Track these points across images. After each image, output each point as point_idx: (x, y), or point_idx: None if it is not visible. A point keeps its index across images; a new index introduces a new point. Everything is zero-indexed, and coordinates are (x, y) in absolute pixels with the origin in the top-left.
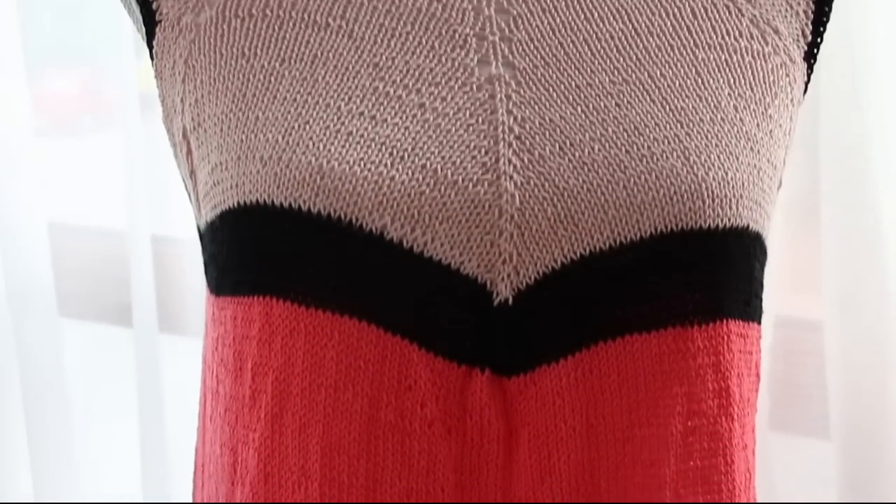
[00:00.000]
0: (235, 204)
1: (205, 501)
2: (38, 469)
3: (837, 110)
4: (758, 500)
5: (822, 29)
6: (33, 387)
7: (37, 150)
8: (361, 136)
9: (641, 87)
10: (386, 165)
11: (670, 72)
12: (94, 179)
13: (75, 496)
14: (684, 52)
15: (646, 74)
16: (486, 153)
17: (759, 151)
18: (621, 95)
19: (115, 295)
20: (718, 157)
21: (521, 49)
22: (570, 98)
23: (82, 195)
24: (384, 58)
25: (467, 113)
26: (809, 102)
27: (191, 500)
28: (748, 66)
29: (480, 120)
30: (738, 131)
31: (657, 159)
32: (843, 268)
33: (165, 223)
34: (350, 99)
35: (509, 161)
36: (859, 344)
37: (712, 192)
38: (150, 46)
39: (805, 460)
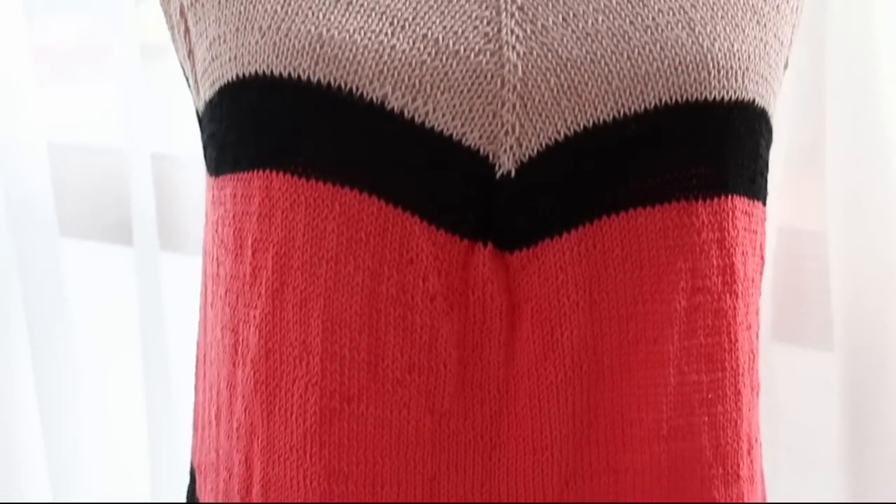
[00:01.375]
0: (234, 77)
1: (206, 390)
2: (41, 390)
3: (846, 5)
4: (760, 411)
5: None
6: (35, 307)
7: (36, 89)
8: (361, 5)
9: None
10: (386, 34)
11: None
12: (93, 115)
13: (78, 412)
14: None
15: None
16: (488, 23)
17: (765, 25)
18: None
19: (116, 214)
20: (724, 29)
21: None
22: None
23: (81, 115)
24: None
25: None
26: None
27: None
28: None
29: None
30: (743, 4)
31: (662, 30)
32: (846, 176)
33: (165, 141)
34: None
35: (511, 31)
36: (863, 254)
37: (717, 62)
38: None
39: (808, 371)
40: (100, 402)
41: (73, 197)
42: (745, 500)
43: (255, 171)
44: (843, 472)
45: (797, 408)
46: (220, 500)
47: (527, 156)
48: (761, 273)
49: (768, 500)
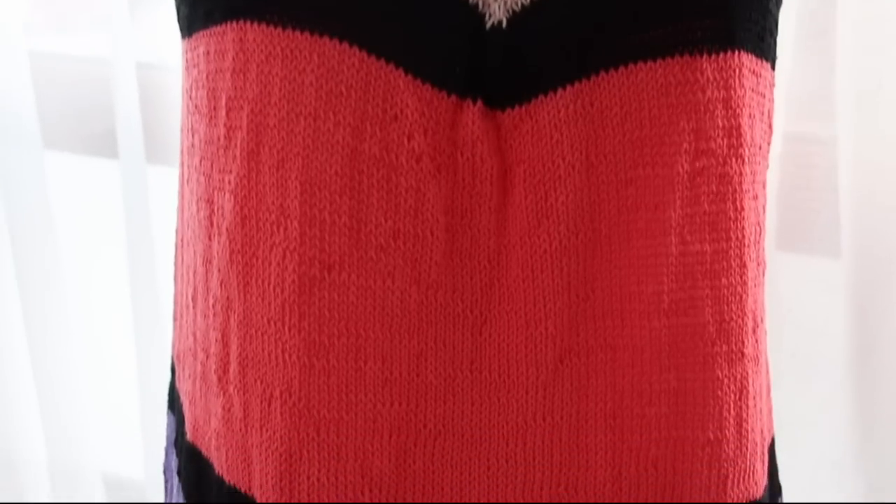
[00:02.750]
0: None
1: (184, 274)
2: (27, 305)
3: None
4: (766, 316)
5: None
6: (19, 221)
7: None
8: None
9: None
10: None
11: None
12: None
13: (65, 328)
14: None
15: None
16: None
17: None
18: None
19: (100, 125)
20: None
21: None
22: None
23: (64, 22)
24: None
25: None
26: None
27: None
28: None
29: None
30: None
31: None
32: (857, 78)
33: (151, 49)
34: None
35: None
36: (872, 158)
37: None
38: None
39: (814, 278)
40: (86, 316)
41: (57, 108)
42: (750, 380)
43: (229, 24)
44: (849, 378)
45: (802, 314)
46: (196, 385)
47: (519, 4)
48: (769, 143)
49: (772, 407)
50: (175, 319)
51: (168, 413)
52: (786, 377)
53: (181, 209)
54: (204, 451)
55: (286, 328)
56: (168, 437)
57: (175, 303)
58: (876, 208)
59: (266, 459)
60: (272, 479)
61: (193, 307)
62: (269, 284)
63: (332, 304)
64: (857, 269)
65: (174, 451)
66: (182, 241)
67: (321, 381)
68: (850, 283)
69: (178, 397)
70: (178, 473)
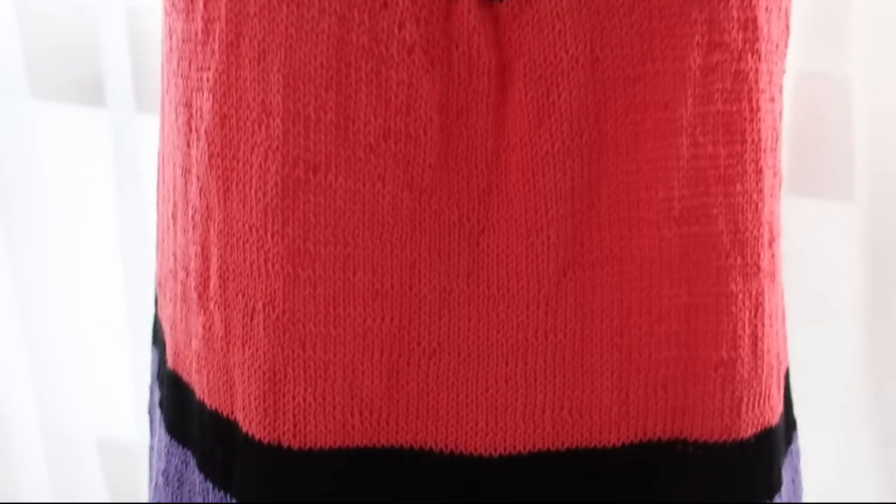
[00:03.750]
0: None
1: (164, 194)
2: (14, 258)
3: None
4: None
5: None
6: (7, 172)
7: None
8: None
9: None
10: None
11: None
12: None
13: (55, 282)
14: None
15: None
16: None
17: None
18: None
19: (89, 73)
20: None
21: None
22: None
23: None
24: None
25: None
26: None
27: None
28: None
29: None
30: None
31: None
32: (873, 13)
33: None
34: None
35: None
36: (887, 97)
37: None
38: None
39: (828, 222)
40: (77, 272)
41: (45, 57)
42: (766, 297)
43: None
44: (863, 322)
45: (815, 259)
46: (177, 308)
47: None
48: (786, 45)
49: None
50: (157, 246)
51: (152, 349)
52: (799, 322)
53: (162, 125)
54: (185, 377)
55: (269, 235)
56: (152, 374)
57: (157, 229)
58: (891, 149)
59: (249, 379)
60: (255, 399)
61: (174, 225)
62: (250, 189)
63: (318, 209)
64: (871, 212)
65: (157, 385)
66: (163, 160)
67: (306, 293)
68: (864, 226)
69: (161, 327)
70: (160, 405)
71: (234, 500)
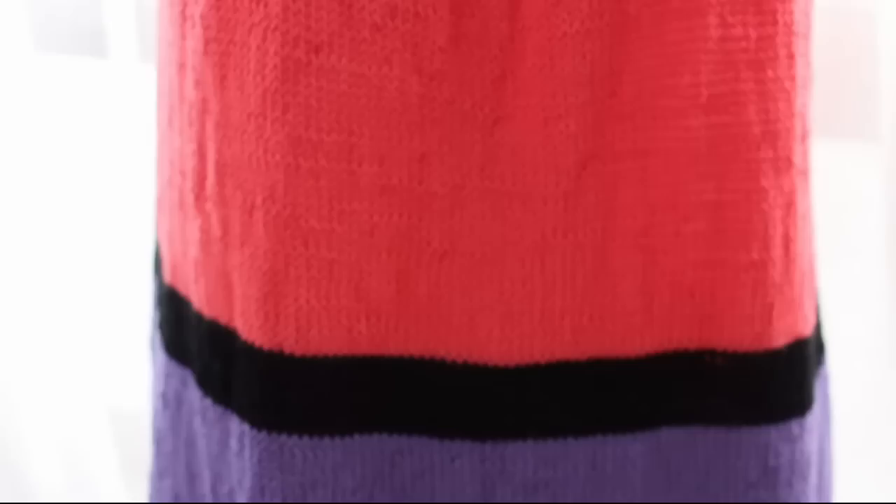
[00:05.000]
0: None
1: (162, 106)
2: (19, 219)
3: None
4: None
5: None
6: (11, 125)
7: None
8: None
9: None
10: None
11: None
12: None
13: (63, 244)
14: None
15: None
16: None
17: None
18: None
19: (91, 24)
20: None
21: None
22: None
23: None
24: None
25: None
26: None
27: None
28: None
29: None
30: None
31: None
32: None
33: None
34: None
35: None
36: None
37: None
38: None
39: (850, 163)
40: (83, 226)
41: (46, 8)
42: (798, 196)
43: None
44: (885, 262)
45: (837, 201)
46: (174, 217)
47: None
48: None
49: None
50: (156, 167)
51: (153, 279)
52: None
53: (158, 41)
54: (182, 291)
55: (268, 123)
56: (153, 303)
57: (156, 148)
58: None
59: (248, 281)
60: (254, 303)
61: (170, 129)
62: (248, 74)
63: (321, 94)
64: (895, 153)
65: (156, 310)
66: (160, 69)
67: (309, 185)
68: (889, 167)
69: (160, 251)
70: (159, 327)
71: (233, 416)
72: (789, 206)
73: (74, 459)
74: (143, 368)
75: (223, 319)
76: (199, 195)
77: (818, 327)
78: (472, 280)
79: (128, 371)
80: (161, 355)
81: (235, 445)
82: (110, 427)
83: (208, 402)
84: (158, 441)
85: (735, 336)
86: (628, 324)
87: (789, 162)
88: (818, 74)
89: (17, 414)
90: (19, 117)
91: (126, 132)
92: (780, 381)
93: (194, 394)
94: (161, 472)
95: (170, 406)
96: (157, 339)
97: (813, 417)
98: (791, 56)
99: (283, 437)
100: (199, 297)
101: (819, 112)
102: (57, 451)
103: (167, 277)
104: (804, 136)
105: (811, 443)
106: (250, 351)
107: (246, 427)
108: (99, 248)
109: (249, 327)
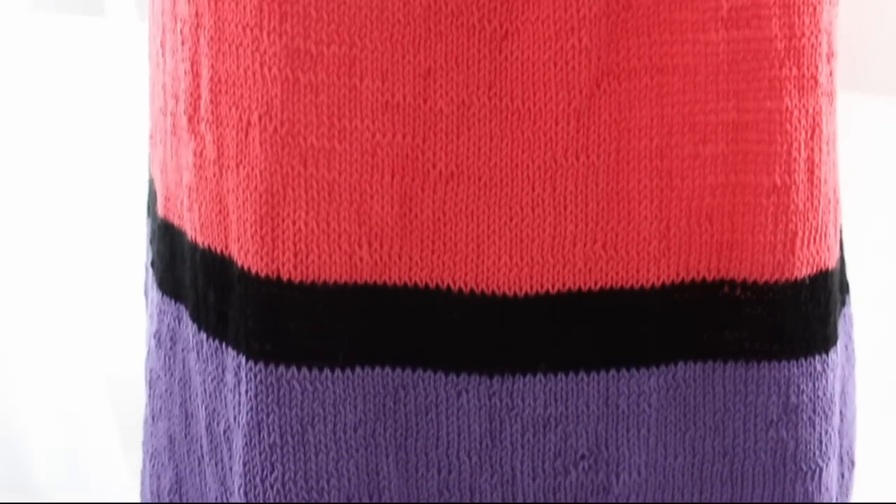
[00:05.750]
0: None
1: (153, 35)
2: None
3: None
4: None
5: None
6: (8, 85)
7: None
8: None
9: None
10: None
11: None
12: None
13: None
14: None
15: None
16: None
17: None
18: None
19: None
20: None
21: None
22: None
23: None
24: None
25: None
26: None
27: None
28: None
29: None
30: None
31: None
32: None
33: None
34: None
35: None
36: None
37: None
38: None
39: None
40: (79, 189)
41: None
42: (823, 118)
43: None
44: None
45: (864, 156)
46: (168, 146)
47: None
48: None
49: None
50: (150, 99)
51: (147, 221)
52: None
53: None
54: (176, 223)
55: (264, 35)
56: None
57: (149, 79)
58: None
59: (244, 204)
60: (251, 227)
61: (163, 52)
62: None
63: (320, 3)
64: None
65: (150, 249)
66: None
67: (307, 101)
68: None
69: (153, 189)
70: (152, 265)
71: (229, 349)
72: (814, 128)
73: (73, 426)
74: (141, 335)
75: (218, 247)
76: (193, 117)
77: (842, 263)
78: (479, 204)
79: (126, 338)
80: (154, 293)
81: (231, 380)
82: (108, 394)
83: (203, 336)
84: (152, 383)
85: (755, 265)
86: (644, 252)
87: (814, 81)
88: (847, 30)
89: (14, 384)
90: (17, 77)
91: (124, 90)
92: (803, 315)
93: (188, 329)
94: (155, 414)
95: (163, 345)
96: (149, 279)
97: (836, 355)
98: None
99: (281, 369)
100: (193, 226)
101: (849, 66)
102: (56, 420)
103: (160, 211)
104: (830, 56)
105: (834, 381)
106: (246, 278)
107: (242, 359)
108: (96, 209)
109: (245, 253)
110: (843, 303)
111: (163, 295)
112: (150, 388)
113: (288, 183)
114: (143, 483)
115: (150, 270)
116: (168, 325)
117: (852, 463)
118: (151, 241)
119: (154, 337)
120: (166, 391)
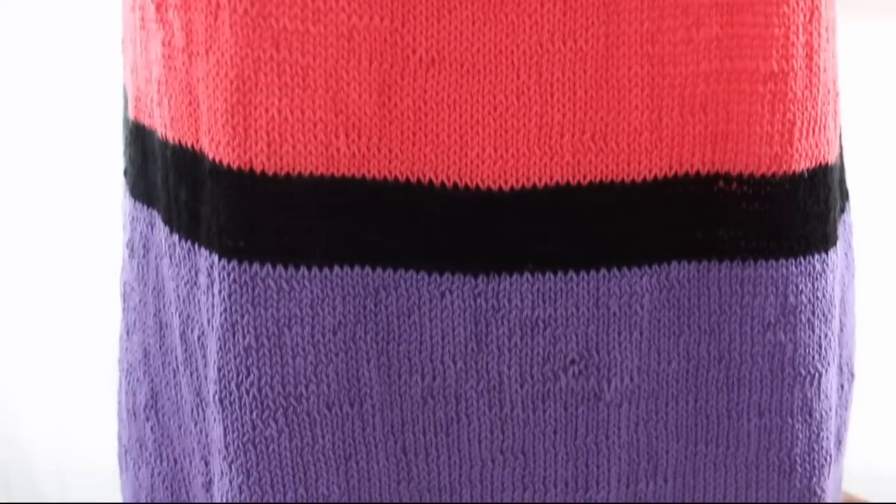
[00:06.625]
0: None
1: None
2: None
3: None
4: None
5: None
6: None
7: None
8: None
9: None
10: None
11: None
12: None
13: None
14: None
15: None
16: None
17: None
18: None
19: None
20: None
21: None
22: None
23: None
24: None
25: None
26: None
27: None
28: None
29: None
30: None
31: None
32: None
33: None
34: None
35: None
36: None
37: None
38: None
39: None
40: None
41: None
42: (823, 1)
43: None
44: None
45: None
46: (138, 42)
47: None
48: None
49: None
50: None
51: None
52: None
53: None
54: (146, 122)
55: None
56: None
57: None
58: None
59: (214, 92)
60: (222, 116)
61: None
62: None
63: None
64: None
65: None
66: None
67: None
68: None
69: (126, 95)
70: (124, 174)
71: (201, 249)
72: (812, 11)
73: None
74: None
75: (189, 141)
76: (161, 4)
77: (842, 166)
78: (461, 93)
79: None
80: (126, 201)
81: (204, 281)
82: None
83: (175, 238)
84: (126, 296)
85: (752, 158)
86: (634, 143)
87: None
88: None
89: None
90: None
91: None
92: (802, 211)
93: (161, 233)
94: (129, 328)
95: (136, 254)
96: (123, 189)
97: (836, 256)
98: None
99: (255, 267)
100: (163, 122)
101: None
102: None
103: (131, 113)
104: None
105: (834, 284)
106: (218, 171)
107: (214, 258)
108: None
109: (216, 144)
110: (843, 209)
111: (135, 202)
112: (124, 301)
113: (259, 68)
114: (119, 402)
115: (123, 180)
116: (140, 232)
117: (852, 374)
118: (124, 151)
119: (127, 247)
120: (140, 302)
